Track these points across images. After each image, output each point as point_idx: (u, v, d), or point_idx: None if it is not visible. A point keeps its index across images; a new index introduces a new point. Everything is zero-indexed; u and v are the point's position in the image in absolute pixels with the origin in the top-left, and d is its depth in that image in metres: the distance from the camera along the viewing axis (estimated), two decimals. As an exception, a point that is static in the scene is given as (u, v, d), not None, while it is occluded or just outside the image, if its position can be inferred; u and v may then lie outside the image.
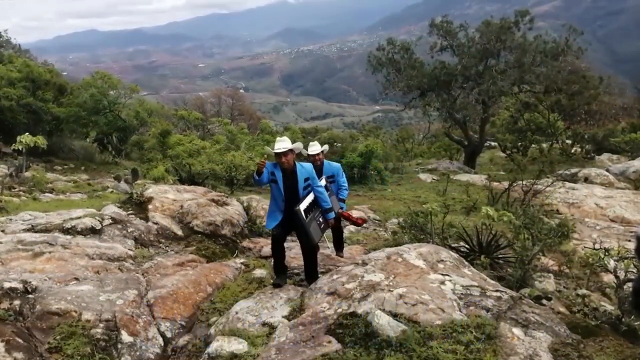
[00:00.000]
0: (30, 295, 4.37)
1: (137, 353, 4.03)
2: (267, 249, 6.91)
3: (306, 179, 4.94)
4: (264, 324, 4.20)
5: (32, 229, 6.19)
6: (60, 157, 19.79)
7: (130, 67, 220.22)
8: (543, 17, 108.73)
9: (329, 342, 3.52)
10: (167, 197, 7.81)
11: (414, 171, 19.74)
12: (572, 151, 22.18)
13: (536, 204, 10.62)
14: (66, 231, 6.17)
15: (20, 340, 3.75)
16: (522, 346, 3.33)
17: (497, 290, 4.10)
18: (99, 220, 6.52)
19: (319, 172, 5.66)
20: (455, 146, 26.19)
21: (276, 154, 4.81)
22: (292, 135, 26.19)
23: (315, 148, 5.94)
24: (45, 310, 4.14)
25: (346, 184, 6.32)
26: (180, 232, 7.06)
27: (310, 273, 5.11)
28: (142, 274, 5.36)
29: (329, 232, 6.15)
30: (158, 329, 4.40)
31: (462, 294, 3.97)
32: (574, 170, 16.78)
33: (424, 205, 8.22)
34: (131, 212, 7.18)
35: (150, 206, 7.38)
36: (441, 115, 23.31)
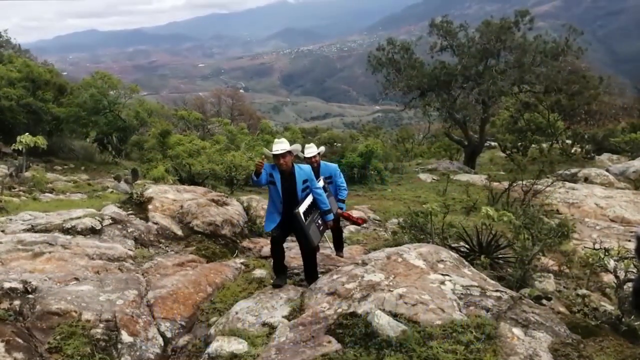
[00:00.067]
0: (30, 295, 4.37)
1: (137, 353, 4.03)
2: (267, 249, 6.91)
3: (304, 181, 4.93)
4: (264, 324, 4.20)
5: (32, 229, 6.19)
6: (60, 157, 19.80)
7: (130, 67, 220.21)
8: (543, 17, 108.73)
9: (329, 342, 3.52)
10: (167, 197, 7.81)
11: (414, 171, 19.74)
12: (572, 151, 22.18)
13: (536, 204, 10.62)
14: (66, 231, 6.17)
15: (20, 340, 3.75)
16: (522, 346, 3.33)
17: (497, 290, 4.10)
18: (99, 220, 6.52)
19: (316, 173, 5.64)
20: (455, 146, 26.18)
21: (274, 155, 4.79)
22: (292, 135, 26.22)
23: (311, 150, 5.91)
24: (45, 310, 4.14)
25: (345, 184, 6.31)
26: (180, 232, 7.06)
27: (310, 273, 5.11)
28: (142, 274, 5.36)
29: (329, 232, 6.16)
30: (158, 329, 4.40)
31: (462, 294, 3.97)
32: (574, 170, 16.77)
33: (424, 205, 8.22)
34: (131, 212, 7.18)
35: (150, 206, 7.38)
36: (441, 115, 23.31)
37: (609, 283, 5.51)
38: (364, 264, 4.66)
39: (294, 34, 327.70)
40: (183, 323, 4.60)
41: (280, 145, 4.79)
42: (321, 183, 5.45)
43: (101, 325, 4.10)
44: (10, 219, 6.77)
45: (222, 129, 25.60)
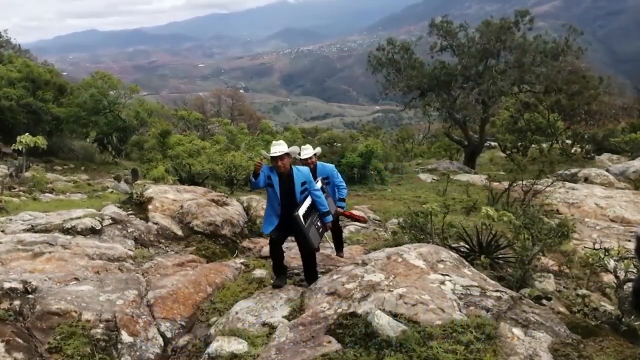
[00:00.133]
0: (30, 296, 4.37)
1: (137, 353, 4.03)
2: (267, 249, 6.88)
3: (303, 183, 4.90)
4: (264, 324, 4.20)
5: (32, 229, 6.19)
6: (60, 157, 19.80)
7: (130, 67, 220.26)
8: (543, 17, 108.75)
9: (329, 342, 3.52)
10: (167, 197, 7.81)
11: (414, 171, 19.74)
12: (572, 151, 22.17)
13: (536, 204, 10.62)
14: (66, 231, 6.17)
15: (20, 341, 3.75)
16: (522, 346, 3.33)
17: (497, 290, 4.10)
18: (99, 221, 6.52)
19: (313, 174, 5.61)
20: (455, 146, 26.18)
21: (272, 158, 4.76)
22: (292, 135, 26.23)
23: (307, 152, 5.87)
24: (45, 311, 4.14)
25: (343, 183, 6.28)
26: (180, 232, 7.06)
27: (310, 274, 5.10)
28: (142, 274, 5.36)
29: (328, 232, 6.15)
30: (158, 329, 4.40)
31: (462, 294, 3.97)
32: (574, 170, 16.77)
33: (424, 205, 8.22)
34: (131, 212, 7.18)
35: (150, 206, 7.38)
36: (441, 115, 23.30)
37: (609, 283, 5.51)
38: (364, 264, 4.66)
39: (294, 34, 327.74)
40: (183, 323, 4.60)
41: (278, 147, 4.76)
42: (319, 184, 5.43)
43: (101, 325, 4.10)
44: (10, 219, 6.77)
45: (222, 129, 25.62)
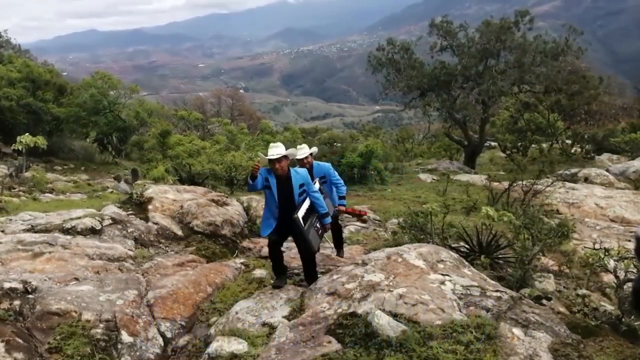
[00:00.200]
0: (30, 296, 4.37)
1: (137, 353, 4.03)
2: (267, 249, 6.86)
3: (301, 185, 4.87)
4: (264, 324, 4.20)
5: (32, 229, 6.19)
6: (60, 157, 19.80)
7: (130, 67, 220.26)
8: (543, 17, 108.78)
9: (329, 342, 3.52)
10: (167, 197, 7.81)
11: (414, 171, 19.74)
12: (572, 151, 22.17)
13: (536, 204, 10.61)
14: (66, 231, 6.17)
15: (20, 341, 3.75)
16: (522, 346, 3.33)
17: (497, 290, 4.10)
18: (99, 221, 6.52)
19: (309, 174, 5.57)
20: (455, 146, 26.18)
21: (270, 160, 4.73)
22: (292, 135, 26.24)
23: (303, 151, 5.82)
24: (45, 311, 4.15)
25: (341, 181, 6.22)
26: (180, 232, 7.06)
27: (310, 275, 5.10)
28: (142, 274, 5.36)
29: (328, 232, 6.13)
30: (158, 329, 4.40)
31: (462, 294, 3.97)
32: (574, 170, 16.77)
33: (424, 205, 8.22)
34: (131, 212, 7.18)
35: (150, 206, 7.38)
36: (441, 115, 23.29)
37: (609, 283, 5.51)
38: (364, 264, 4.65)
39: (294, 34, 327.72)
40: (183, 323, 4.60)
41: (276, 150, 4.72)
42: (317, 186, 5.40)
43: (101, 325, 4.10)
44: (10, 219, 6.77)
45: (222, 129, 25.62)
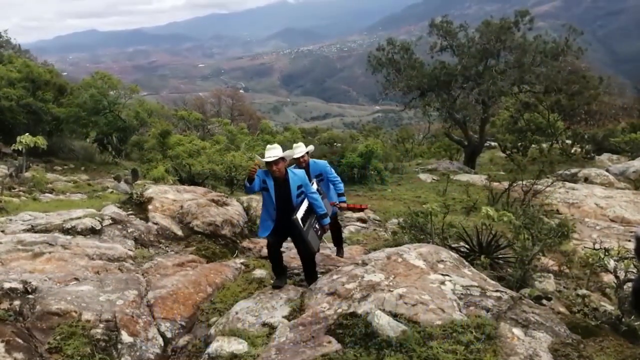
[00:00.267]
0: (30, 296, 4.37)
1: (137, 353, 4.03)
2: (267, 250, 6.90)
3: (299, 187, 4.84)
4: (264, 324, 4.20)
5: (32, 229, 6.19)
6: (60, 157, 19.80)
7: (130, 67, 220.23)
8: (543, 17, 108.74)
9: (329, 342, 3.52)
10: (167, 197, 7.81)
11: (414, 171, 19.74)
12: (572, 151, 22.18)
13: (536, 204, 10.62)
14: (66, 231, 6.17)
15: (20, 341, 3.75)
16: (522, 346, 3.33)
17: (497, 291, 4.10)
18: (99, 221, 6.52)
19: (306, 172, 5.55)
20: (455, 146, 26.18)
21: (267, 162, 4.70)
22: (292, 135, 26.23)
23: (300, 150, 5.77)
24: (45, 311, 4.15)
25: (338, 178, 6.18)
26: (180, 233, 7.06)
27: (310, 275, 5.09)
28: (142, 274, 5.36)
29: (327, 232, 6.12)
30: (158, 329, 4.40)
31: (462, 294, 3.97)
32: (574, 170, 16.78)
33: (424, 205, 8.21)
34: (131, 212, 7.18)
35: (150, 206, 7.38)
36: (441, 115, 23.29)
37: (609, 283, 5.51)
38: (364, 264, 4.65)
39: (294, 34, 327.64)
40: (183, 323, 4.60)
41: (273, 152, 4.68)
42: (315, 186, 5.38)
43: (101, 325, 4.10)
44: (10, 219, 6.77)
45: (222, 129, 25.62)
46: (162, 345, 4.27)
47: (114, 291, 4.65)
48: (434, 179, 17.94)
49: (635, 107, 29.14)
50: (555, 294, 5.11)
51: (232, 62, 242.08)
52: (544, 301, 4.66)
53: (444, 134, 25.20)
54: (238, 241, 7.43)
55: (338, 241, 6.68)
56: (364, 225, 10.41)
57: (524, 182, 11.80)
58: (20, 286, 4.44)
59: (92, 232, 6.28)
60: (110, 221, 6.65)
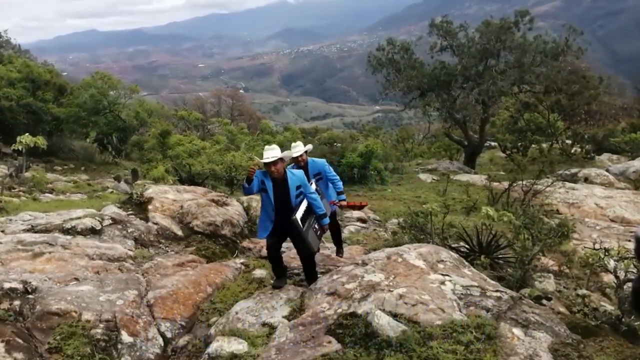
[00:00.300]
0: (30, 296, 4.37)
1: (137, 353, 4.03)
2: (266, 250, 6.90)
3: (298, 187, 4.82)
4: (264, 324, 4.20)
5: (32, 229, 6.19)
6: (60, 157, 19.81)
7: (130, 67, 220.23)
8: (543, 17, 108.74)
9: (329, 342, 3.52)
10: (167, 197, 7.81)
11: (414, 171, 19.74)
12: (572, 151, 22.18)
13: (536, 204, 10.62)
14: (66, 231, 6.17)
15: (20, 341, 3.75)
16: (522, 346, 3.33)
17: (497, 291, 4.10)
18: (99, 221, 6.52)
19: (304, 171, 5.53)
20: (455, 146, 26.18)
21: (265, 163, 4.69)
22: (292, 135, 26.22)
23: (298, 149, 5.74)
24: (45, 311, 4.15)
25: (337, 176, 6.14)
26: (180, 233, 7.06)
27: (310, 275, 5.10)
28: (142, 274, 5.36)
29: (327, 232, 6.11)
30: (158, 329, 4.40)
31: (462, 294, 3.97)
32: (574, 171, 16.78)
33: (424, 206, 8.21)
34: (131, 212, 7.18)
35: (150, 206, 7.38)
36: (441, 115, 23.29)
37: (609, 283, 5.51)
38: (364, 264, 4.65)
39: (294, 34, 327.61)
40: (183, 323, 4.60)
41: (271, 153, 4.67)
42: (314, 187, 5.35)
43: (101, 325, 4.10)
44: (10, 219, 6.77)
45: (222, 129, 25.60)
46: (162, 345, 4.27)
47: (114, 291, 4.65)
48: (434, 179, 17.95)
49: (635, 107, 29.14)
50: (555, 294, 5.11)
51: (232, 62, 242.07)
52: (544, 301, 4.66)
53: (444, 134, 25.20)
54: (238, 241, 7.43)
55: (338, 241, 6.67)
56: (363, 225, 10.41)
57: (524, 182, 11.79)
58: (20, 286, 4.44)
59: (92, 232, 6.28)
60: (110, 221, 6.65)
